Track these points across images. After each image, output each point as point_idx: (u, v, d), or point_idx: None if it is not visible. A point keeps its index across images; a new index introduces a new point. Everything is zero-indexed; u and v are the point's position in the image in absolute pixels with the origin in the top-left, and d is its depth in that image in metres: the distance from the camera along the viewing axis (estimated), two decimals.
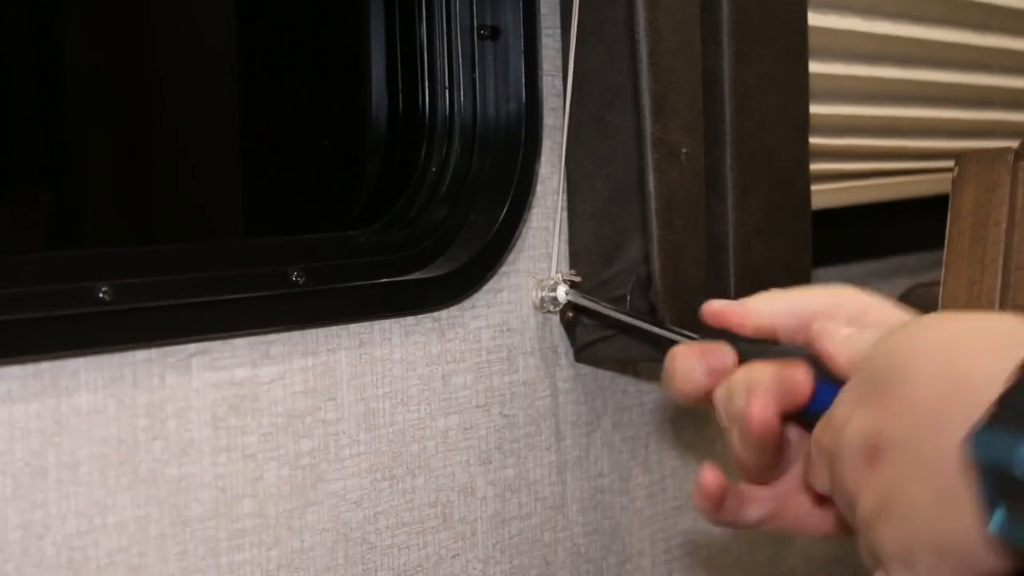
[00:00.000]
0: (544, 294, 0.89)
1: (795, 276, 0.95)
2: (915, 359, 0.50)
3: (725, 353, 0.57)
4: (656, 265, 0.84)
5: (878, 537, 0.53)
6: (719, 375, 0.57)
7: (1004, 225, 0.84)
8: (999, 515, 0.44)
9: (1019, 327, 0.48)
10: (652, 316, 0.86)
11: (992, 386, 0.44)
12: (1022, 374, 0.44)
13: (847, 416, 0.51)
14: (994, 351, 0.46)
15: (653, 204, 0.83)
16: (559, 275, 0.89)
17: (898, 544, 0.52)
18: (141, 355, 0.67)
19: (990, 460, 0.44)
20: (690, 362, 0.58)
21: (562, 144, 0.89)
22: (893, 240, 1.34)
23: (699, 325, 0.88)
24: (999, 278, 0.84)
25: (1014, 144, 0.86)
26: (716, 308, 0.58)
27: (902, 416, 0.50)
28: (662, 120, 0.82)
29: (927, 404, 0.48)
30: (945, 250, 0.86)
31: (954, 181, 0.87)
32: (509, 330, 0.87)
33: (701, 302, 0.58)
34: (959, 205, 0.86)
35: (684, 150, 0.84)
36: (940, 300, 0.86)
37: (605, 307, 0.87)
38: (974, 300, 0.84)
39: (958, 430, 0.45)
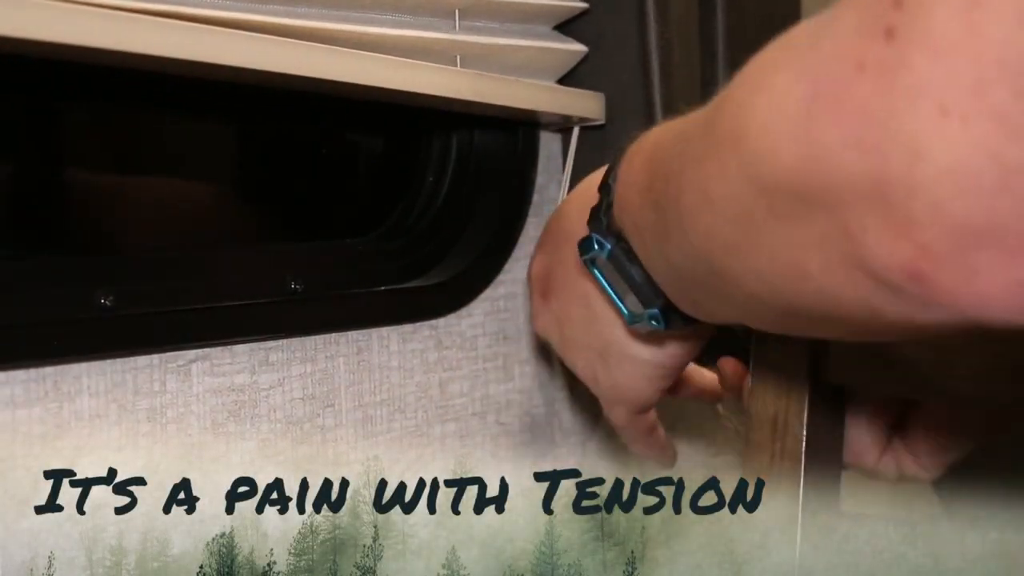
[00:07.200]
0: None
1: None
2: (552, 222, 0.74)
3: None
4: None
5: (571, 364, 0.72)
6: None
7: None
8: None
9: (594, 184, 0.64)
10: None
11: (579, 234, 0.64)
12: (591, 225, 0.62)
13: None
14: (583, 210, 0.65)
15: None
16: None
17: (579, 364, 0.71)
18: (142, 360, 0.67)
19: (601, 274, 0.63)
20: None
21: (560, 153, 0.90)
22: None
23: None
24: None
25: None
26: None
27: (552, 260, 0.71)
28: None
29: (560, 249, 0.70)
30: None
31: None
32: (506, 338, 0.87)
33: None
34: None
35: None
36: None
37: None
38: None
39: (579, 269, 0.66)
